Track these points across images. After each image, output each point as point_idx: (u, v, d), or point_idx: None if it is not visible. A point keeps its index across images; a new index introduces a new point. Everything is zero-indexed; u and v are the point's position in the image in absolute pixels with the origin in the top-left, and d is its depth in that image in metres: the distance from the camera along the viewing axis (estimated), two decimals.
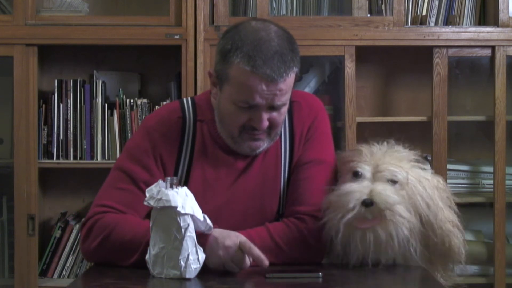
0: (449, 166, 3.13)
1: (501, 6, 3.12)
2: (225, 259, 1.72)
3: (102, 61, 3.34)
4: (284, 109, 1.86)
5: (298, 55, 1.84)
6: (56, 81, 3.17)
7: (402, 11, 3.13)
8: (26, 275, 3.07)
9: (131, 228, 1.80)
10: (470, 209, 2.97)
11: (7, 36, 3.04)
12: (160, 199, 1.62)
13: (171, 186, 1.64)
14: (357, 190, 1.74)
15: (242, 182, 1.93)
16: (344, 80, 3.08)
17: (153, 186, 1.65)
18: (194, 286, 1.63)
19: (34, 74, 3.06)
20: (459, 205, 1.86)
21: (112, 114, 3.16)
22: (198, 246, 1.66)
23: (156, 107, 3.12)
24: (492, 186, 3.11)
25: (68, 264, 3.18)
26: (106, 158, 3.14)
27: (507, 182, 3.12)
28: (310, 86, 3.32)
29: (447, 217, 1.78)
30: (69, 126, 3.15)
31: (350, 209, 1.72)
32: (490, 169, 3.15)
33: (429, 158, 1.88)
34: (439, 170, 2.94)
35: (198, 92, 2.98)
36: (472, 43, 3.11)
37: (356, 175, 1.79)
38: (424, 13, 3.23)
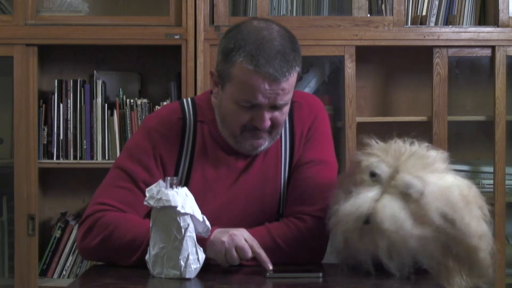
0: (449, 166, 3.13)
1: (501, 6, 3.12)
2: (229, 247, 1.72)
3: (102, 61, 3.34)
4: (286, 109, 1.86)
5: (300, 55, 1.84)
6: (56, 81, 3.17)
7: (402, 11, 3.13)
8: (26, 275, 3.07)
9: (132, 227, 1.80)
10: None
11: (7, 36, 3.04)
12: (160, 199, 1.62)
13: (171, 186, 1.64)
14: (359, 206, 1.67)
15: (242, 182, 1.93)
16: (344, 80, 3.09)
17: (153, 186, 1.65)
18: (194, 286, 1.63)
19: (34, 74, 3.06)
20: None
21: (112, 114, 3.16)
22: (198, 246, 1.66)
23: (156, 107, 3.12)
24: (492, 186, 3.11)
25: (68, 264, 3.18)
26: (106, 158, 3.14)
27: (507, 182, 3.12)
28: (310, 86, 3.32)
29: (474, 232, 1.68)
30: (69, 126, 3.15)
31: (349, 227, 1.68)
32: (490, 169, 3.15)
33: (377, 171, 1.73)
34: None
35: (198, 92, 2.98)
36: (472, 43, 3.11)
37: (373, 176, 1.70)
38: (424, 13, 3.23)
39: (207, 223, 1.68)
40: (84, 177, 3.32)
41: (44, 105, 3.15)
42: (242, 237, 1.75)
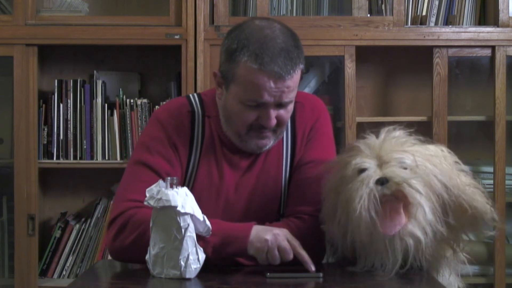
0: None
1: (501, 6, 3.12)
2: (272, 245, 1.72)
3: (102, 61, 3.34)
4: (291, 107, 1.87)
5: (303, 52, 1.84)
6: (56, 81, 3.17)
7: (402, 11, 3.13)
8: (26, 275, 3.07)
9: None
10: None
11: (7, 36, 3.04)
12: (160, 198, 1.62)
13: (171, 186, 1.64)
14: (367, 175, 1.66)
15: (244, 181, 1.93)
16: (344, 80, 3.09)
17: (153, 186, 1.65)
18: (194, 286, 1.63)
19: (34, 74, 3.06)
20: None
21: (112, 114, 3.16)
22: (198, 246, 1.66)
23: (156, 107, 3.12)
24: (492, 186, 3.11)
25: (68, 264, 3.18)
26: (106, 158, 3.14)
27: (507, 182, 3.12)
28: (310, 86, 3.32)
29: (464, 182, 1.72)
30: (69, 126, 3.15)
31: (364, 192, 1.64)
32: (490, 169, 3.15)
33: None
34: None
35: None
36: (472, 43, 3.11)
37: (362, 171, 1.69)
38: (424, 13, 3.23)
39: (208, 222, 1.68)
40: (84, 177, 3.32)
41: (44, 105, 3.15)
42: (285, 237, 1.75)
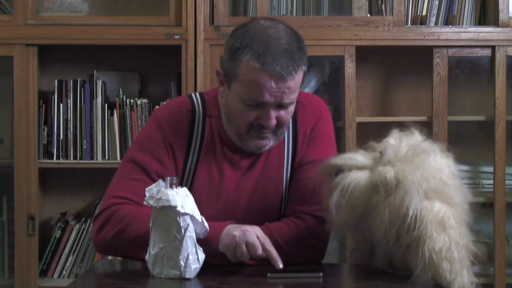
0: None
1: (501, 6, 3.12)
2: (240, 241, 1.73)
3: (102, 61, 3.34)
4: (292, 108, 1.87)
5: (306, 54, 1.84)
6: (56, 81, 3.17)
7: (402, 11, 3.13)
8: (26, 275, 3.07)
9: (147, 221, 1.79)
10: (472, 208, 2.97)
11: (7, 36, 3.04)
12: (160, 198, 1.62)
13: (171, 186, 1.64)
14: (341, 159, 1.71)
15: (245, 181, 1.93)
16: (344, 80, 3.09)
17: (153, 186, 1.65)
18: (194, 286, 1.63)
19: (34, 74, 3.06)
20: None
21: (112, 114, 3.16)
22: (198, 246, 1.66)
23: (156, 107, 3.12)
24: (492, 186, 3.11)
25: (68, 264, 3.18)
26: (106, 158, 3.14)
27: (507, 182, 3.12)
28: (310, 86, 3.32)
29: (436, 246, 1.63)
30: (69, 126, 3.15)
31: (327, 167, 1.70)
32: (490, 169, 3.15)
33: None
34: None
35: None
36: (472, 43, 3.11)
37: (381, 153, 1.69)
38: (424, 13, 3.23)
39: (206, 224, 1.68)
40: (84, 177, 3.33)
41: (44, 105, 3.15)
42: (254, 233, 1.76)
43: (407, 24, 3.20)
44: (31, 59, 3.06)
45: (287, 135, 1.97)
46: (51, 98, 3.16)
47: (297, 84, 1.82)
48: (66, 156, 3.15)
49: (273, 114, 1.83)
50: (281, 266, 1.72)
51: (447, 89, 3.11)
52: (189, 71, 3.03)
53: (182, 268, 1.64)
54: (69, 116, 3.15)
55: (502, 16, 3.13)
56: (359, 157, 1.72)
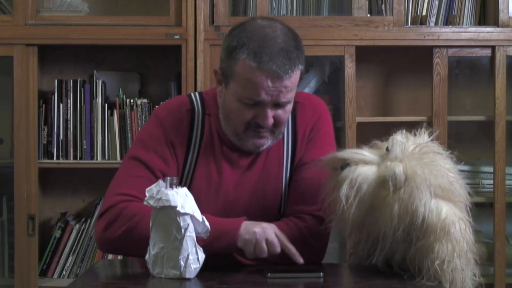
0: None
1: (501, 6, 3.12)
2: (260, 238, 1.74)
3: (102, 61, 3.34)
4: (289, 107, 1.87)
5: (303, 53, 1.84)
6: (56, 81, 3.17)
7: (402, 11, 3.13)
8: (26, 275, 3.07)
9: None
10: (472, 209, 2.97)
11: (7, 36, 3.04)
12: (160, 198, 1.62)
13: (171, 186, 1.64)
14: (347, 153, 1.73)
15: (245, 181, 1.94)
16: (344, 80, 3.09)
17: (153, 186, 1.65)
18: (194, 286, 1.63)
19: (34, 74, 3.06)
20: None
21: (112, 114, 3.16)
22: (197, 246, 1.66)
23: (156, 107, 3.12)
24: (492, 186, 3.11)
25: (68, 264, 3.18)
26: (106, 158, 3.14)
27: (507, 182, 3.12)
28: (310, 86, 3.32)
29: (438, 259, 1.65)
30: (69, 126, 3.15)
31: (333, 161, 1.71)
32: (490, 169, 3.15)
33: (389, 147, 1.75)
34: None
35: None
36: (472, 43, 3.11)
37: (387, 150, 1.71)
38: (424, 13, 3.23)
39: (207, 223, 1.68)
40: (84, 177, 3.33)
41: (44, 105, 3.15)
42: (273, 231, 1.77)
43: (407, 24, 3.20)
44: (31, 59, 3.06)
45: (287, 135, 1.97)
46: (51, 98, 3.16)
47: (294, 83, 1.82)
48: (66, 156, 3.15)
49: (270, 113, 1.83)
50: (301, 261, 1.75)
51: (447, 89, 3.11)
52: (189, 71, 3.03)
53: (182, 268, 1.64)
54: (69, 116, 3.15)
55: (502, 16, 3.13)
56: (366, 152, 1.73)
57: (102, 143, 3.14)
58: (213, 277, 1.68)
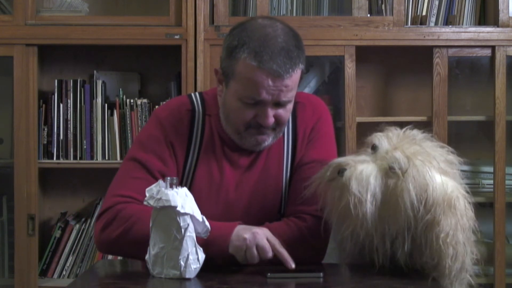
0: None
1: (501, 6, 3.12)
2: (250, 244, 1.73)
3: (102, 61, 3.34)
4: (290, 106, 1.87)
5: (304, 53, 1.84)
6: (56, 81, 3.17)
7: (402, 11, 3.13)
8: (26, 275, 3.07)
9: None
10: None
11: (7, 36, 3.04)
12: (160, 198, 1.62)
13: (171, 186, 1.64)
14: (344, 159, 1.73)
15: (245, 181, 1.94)
16: (344, 80, 3.09)
17: (153, 186, 1.65)
18: (194, 286, 1.63)
19: (34, 74, 3.06)
20: None
21: (112, 114, 3.16)
22: (198, 246, 1.66)
23: (156, 107, 3.12)
24: (492, 186, 3.11)
25: (68, 264, 3.18)
26: (106, 158, 3.15)
27: (507, 182, 3.12)
28: (310, 86, 3.32)
29: (443, 232, 1.67)
30: (69, 126, 3.15)
31: (328, 169, 1.72)
32: (490, 169, 3.15)
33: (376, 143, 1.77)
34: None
35: None
36: (472, 43, 3.11)
37: (373, 148, 1.74)
38: (424, 13, 3.23)
39: (207, 223, 1.68)
40: (84, 177, 3.33)
41: (44, 105, 3.15)
42: (264, 236, 1.76)
43: (407, 24, 3.20)
44: (31, 59, 3.06)
45: (287, 135, 1.97)
46: (51, 98, 3.16)
47: (295, 82, 1.82)
48: (66, 156, 3.15)
49: (271, 112, 1.83)
50: (293, 266, 1.73)
51: (447, 89, 3.11)
52: (189, 71, 3.03)
53: (182, 268, 1.64)
54: (69, 116, 3.15)
55: (502, 16, 3.13)
56: (355, 156, 1.74)
57: (102, 143, 3.14)
58: (213, 277, 1.68)
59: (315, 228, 1.85)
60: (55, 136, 3.14)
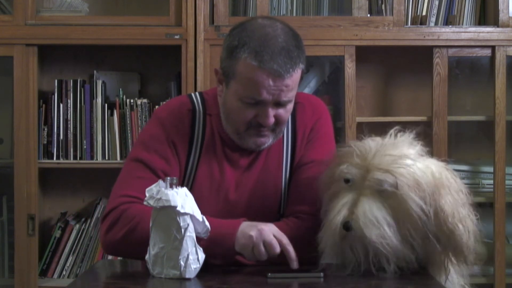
0: (449, 166, 3.13)
1: (501, 6, 3.12)
2: (257, 241, 1.73)
3: (102, 61, 3.34)
4: (290, 106, 1.87)
5: (304, 52, 1.84)
6: (56, 81, 3.17)
7: (402, 11, 3.13)
8: (26, 275, 3.07)
9: None
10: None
11: (7, 36, 3.04)
12: (160, 198, 1.62)
13: (171, 186, 1.64)
14: (338, 213, 1.70)
15: (244, 180, 1.94)
16: (344, 80, 3.09)
17: (153, 186, 1.65)
18: (194, 286, 1.63)
19: (34, 74, 3.06)
20: None
21: (112, 114, 3.16)
22: (198, 246, 1.66)
23: (156, 107, 3.12)
24: (492, 186, 3.11)
25: (68, 264, 3.18)
26: (106, 158, 3.14)
27: (507, 182, 3.12)
28: (310, 86, 3.32)
29: (450, 216, 1.70)
30: (69, 126, 3.15)
31: (332, 233, 1.71)
32: (490, 169, 3.15)
33: None
34: None
35: None
36: (472, 43, 3.11)
37: (347, 182, 1.74)
38: (424, 13, 3.23)
39: (207, 223, 1.68)
40: (84, 177, 3.33)
41: (44, 105, 3.15)
42: (271, 232, 1.76)
43: (407, 24, 3.20)
44: (31, 59, 3.06)
45: (286, 135, 1.97)
46: (51, 98, 3.16)
47: (295, 82, 1.83)
48: (66, 156, 3.15)
49: (271, 112, 1.83)
50: (296, 266, 1.73)
51: (447, 89, 3.11)
52: (189, 71, 3.03)
53: (182, 268, 1.64)
54: (69, 116, 3.15)
55: (502, 16, 3.13)
56: (336, 197, 1.75)
57: (102, 143, 3.14)
58: (213, 277, 1.68)
59: (315, 228, 1.85)
60: (55, 136, 3.14)
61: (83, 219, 3.24)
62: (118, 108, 3.16)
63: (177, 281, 1.64)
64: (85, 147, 3.14)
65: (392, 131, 1.80)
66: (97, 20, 3.13)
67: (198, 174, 1.92)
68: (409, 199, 1.67)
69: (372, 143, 1.77)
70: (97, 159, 3.15)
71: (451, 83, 3.18)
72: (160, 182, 1.65)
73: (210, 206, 1.86)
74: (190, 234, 1.64)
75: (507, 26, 3.12)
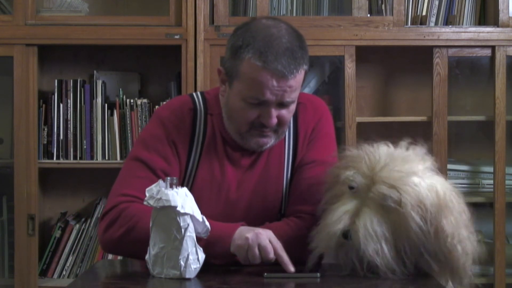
0: (449, 166, 3.13)
1: (501, 6, 3.12)
2: (252, 244, 1.73)
3: (102, 61, 3.34)
4: (293, 107, 1.87)
5: (308, 54, 1.85)
6: (56, 81, 3.17)
7: (402, 11, 3.13)
8: (26, 275, 3.07)
9: None
10: (470, 209, 2.97)
11: (7, 36, 3.04)
12: (160, 198, 1.62)
13: (171, 186, 1.64)
14: (338, 219, 1.70)
15: (246, 179, 1.94)
16: (344, 80, 3.09)
17: (153, 186, 1.65)
18: (194, 286, 1.63)
19: (34, 74, 3.06)
20: None
21: (112, 114, 3.16)
22: (198, 246, 1.66)
23: (156, 107, 3.12)
24: (492, 186, 3.11)
25: (68, 264, 3.18)
26: (106, 158, 3.15)
27: (507, 182, 3.12)
28: (310, 86, 3.32)
29: (450, 237, 1.69)
30: (69, 126, 3.15)
31: (329, 238, 1.71)
32: (490, 169, 3.15)
33: None
34: (439, 170, 2.94)
35: None
36: (472, 43, 3.11)
37: (351, 188, 1.73)
38: (424, 13, 3.23)
39: (207, 223, 1.68)
40: (84, 177, 3.33)
41: (44, 105, 3.15)
42: (267, 237, 1.76)
43: (407, 24, 3.20)
44: (31, 59, 3.06)
45: (288, 135, 1.97)
46: (51, 98, 3.16)
47: (298, 82, 1.83)
48: (66, 156, 3.15)
49: (274, 112, 1.83)
50: (293, 270, 1.73)
51: (447, 89, 3.11)
52: (189, 71, 3.03)
53: (182, 268, 1.64)
54: (69, 116, 3.15)
55: (502, 16, 3.13)
56: (339, 201, 1.75)
57: (102, 143, 3.14)
58: (213, 277, 1.68)
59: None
60: (55, 136, 3.14)
61: (83, 219, 3.24)
62: (118, 108, 3.16)
63: (177, 281, 1.64)
64: (85, 147, 3.15)
65: (404, 143, 1.79)
66: (97, 20, 3.13)
67: (198, 174, 1.93)
68: (409, 218, 1.66)
69: (382, 152, 1.75)
70: (97, 159, 3.15)
71: (451, 83, 3.18)
72: (160, 182, 1.65)
73: (210, 205, 1.87)
74: (190, 234, 1.64)
75: (507, 26, 3.12)
